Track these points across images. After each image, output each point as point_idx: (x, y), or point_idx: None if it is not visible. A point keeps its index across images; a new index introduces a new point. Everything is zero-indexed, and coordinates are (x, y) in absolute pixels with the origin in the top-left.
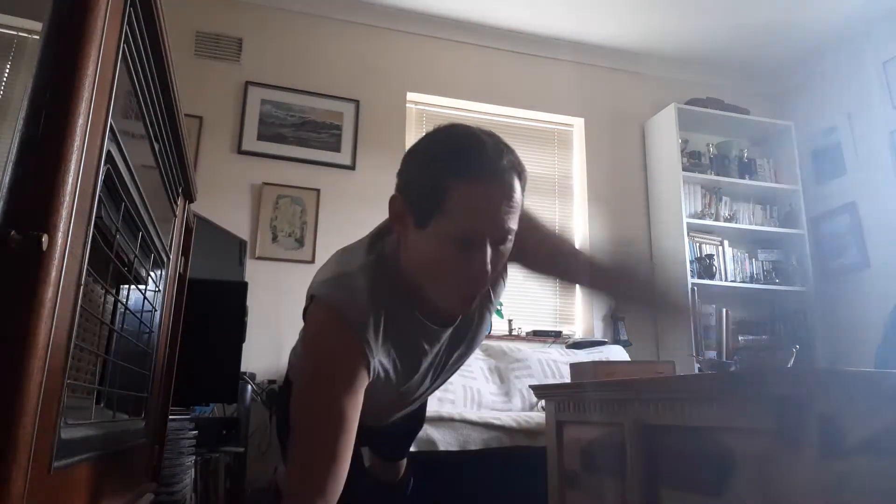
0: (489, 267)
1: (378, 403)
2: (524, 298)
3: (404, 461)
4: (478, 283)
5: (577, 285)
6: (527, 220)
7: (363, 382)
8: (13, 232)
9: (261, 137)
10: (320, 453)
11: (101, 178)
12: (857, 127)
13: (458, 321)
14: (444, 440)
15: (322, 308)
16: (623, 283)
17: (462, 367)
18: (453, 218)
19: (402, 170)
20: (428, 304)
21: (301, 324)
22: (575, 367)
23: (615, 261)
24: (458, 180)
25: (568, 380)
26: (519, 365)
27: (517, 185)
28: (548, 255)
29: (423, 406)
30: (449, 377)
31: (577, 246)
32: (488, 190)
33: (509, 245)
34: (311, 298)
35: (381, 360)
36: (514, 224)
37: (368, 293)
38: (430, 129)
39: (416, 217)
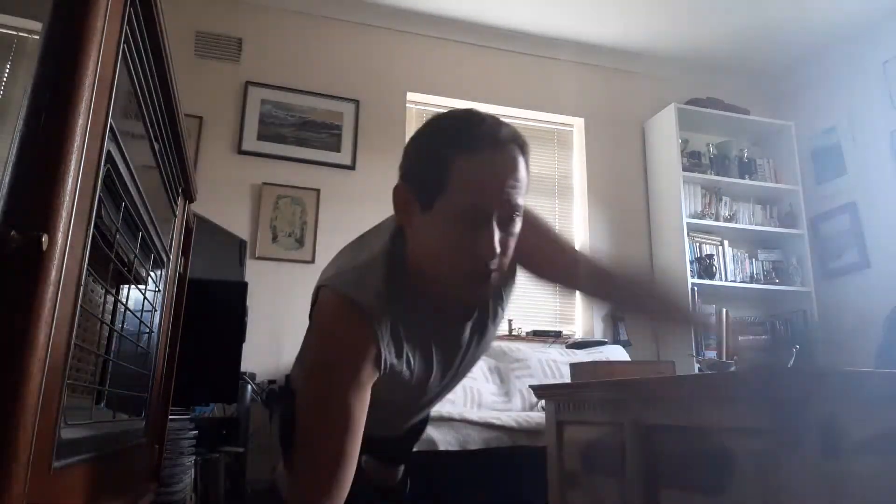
0: (497, 245)
1: (391, 406)
2: (524, 298)
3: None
4: (487, 260)
5: (578, 290)
6: (529, 220)
7: (371, 376)
8: (13, 232)
9: (261, 137)
10: (326, 455)
11: (101, 178)
12: (857, 127)
13: (474, 318)
14: (445, 440)
15: (331, 294)
16: (626, 290)
17: None
18: (457, 194)
19: (403, 158)
20: (442, 297)
21: (304, 326)
22: (575, 367)
23: (617, 267)
24: (459, 153)
25: (568, 380)
26: (519, 365)
27: (520, 157)
28: (548, 257)
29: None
30: (462, 378)
31: (577, 249)
32: (491, 160)
33: (516, 228)
34: (317, 291)
35: (393, 352)
36: (519, 199)
37: (381, 282)
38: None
39: (421, 200)
